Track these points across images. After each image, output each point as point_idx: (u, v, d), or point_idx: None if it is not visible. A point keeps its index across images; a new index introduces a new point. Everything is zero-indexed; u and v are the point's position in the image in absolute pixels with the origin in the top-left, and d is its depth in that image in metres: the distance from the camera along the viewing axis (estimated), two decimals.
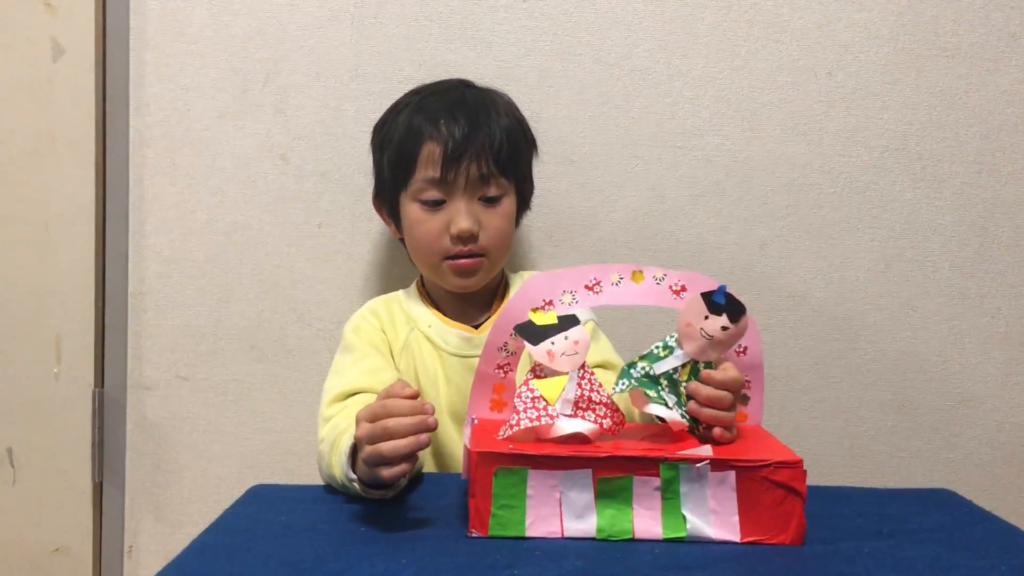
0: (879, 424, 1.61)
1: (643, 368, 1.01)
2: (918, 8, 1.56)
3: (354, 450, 1.04)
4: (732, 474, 0.94)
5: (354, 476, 1.04)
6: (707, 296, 1.01)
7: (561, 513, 0.95)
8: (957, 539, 0.97)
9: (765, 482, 0.94)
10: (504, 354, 1.06)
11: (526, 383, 1.02)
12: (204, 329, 1.57)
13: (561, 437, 0.99)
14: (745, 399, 1.09)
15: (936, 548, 0.93)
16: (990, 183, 1.58)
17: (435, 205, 1.30)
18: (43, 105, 1.54)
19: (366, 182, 1.54)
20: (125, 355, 1.57)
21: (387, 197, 1.37)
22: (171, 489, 1.59)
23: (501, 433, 1.00)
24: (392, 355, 1.33)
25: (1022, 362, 1.61)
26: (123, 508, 1.59)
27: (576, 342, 1.02)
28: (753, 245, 1.58)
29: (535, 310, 1.04)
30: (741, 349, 1.07)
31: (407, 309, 1.37)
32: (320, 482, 1.15)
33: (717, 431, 1.01)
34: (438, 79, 1.42)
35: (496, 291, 1.39)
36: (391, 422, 0.96)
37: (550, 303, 1.05)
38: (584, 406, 1.02)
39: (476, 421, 1.07)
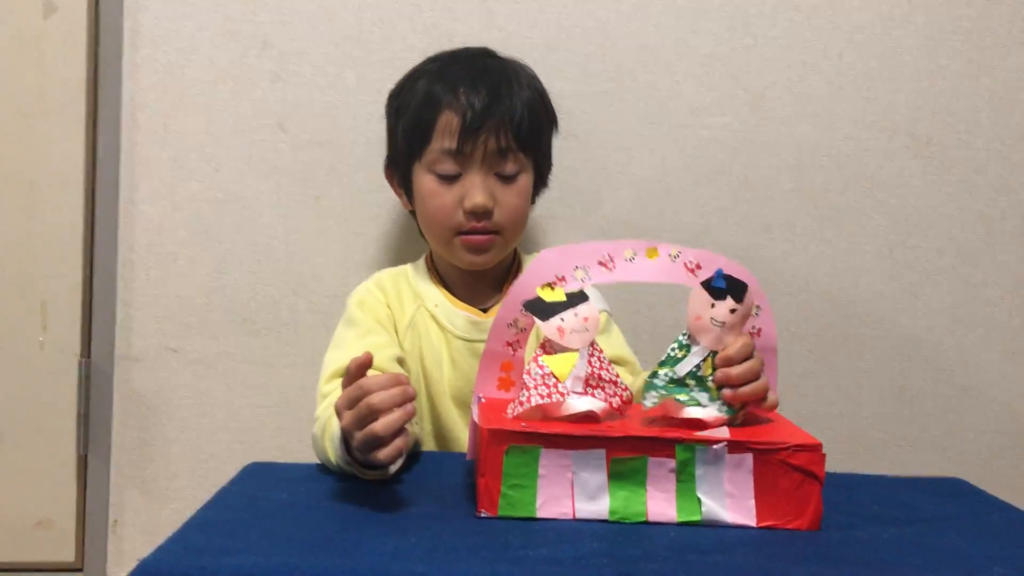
0: (879, 411, 1.59)
1: (666, 375, 0.97)
2: None
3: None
4: (749, 457, 0.92)
5: (351, 459, 1.00)
6: (707, 285, 0.99)
7: (573, 494, 0.92)
8: (975, 527, 0.96)
9: (783, 465, 0.92)
10: (514, 331, 1.03)
11: (535, 359, 0.99)
12: (195, 300, 1.53)
13: (571, 416, 0.96)
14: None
15: (955, 536, 0.92)
16: (998, 170, 1.56)
17: (450, 178, 1.26)
18: (33, 65, 1.49)
19: (365, 153, 1.51)
20: (113, 325, 1.52)
21: (400, 167, 1.33)
22: (158, 463, 1.55)
23: (510, 410, 0.97)
24: (397, 332, 1.29)
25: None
26: (108, 481, 1.55)
27: (586, 319, 1.00)
28: (757, 227, 1.56)
29: (544, 287, 1.01)
30: (755, 331, 1.04)
31: (414, 285, 1.33)
32: (317, 460, 1.12)
33: (771, 398, 0.99)
34: (441, 49, 1.38)
35: (508, 272, 1.35)
36: (374, 398, 0.92)
37: (562, 279, 1.02)
38: (594, 384, 0.99)
39: (483, 400, 1.04)
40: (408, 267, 1.37)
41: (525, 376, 0.98)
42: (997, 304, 1.59)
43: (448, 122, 1.24)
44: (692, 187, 1.55)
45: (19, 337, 1.52)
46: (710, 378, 0.98)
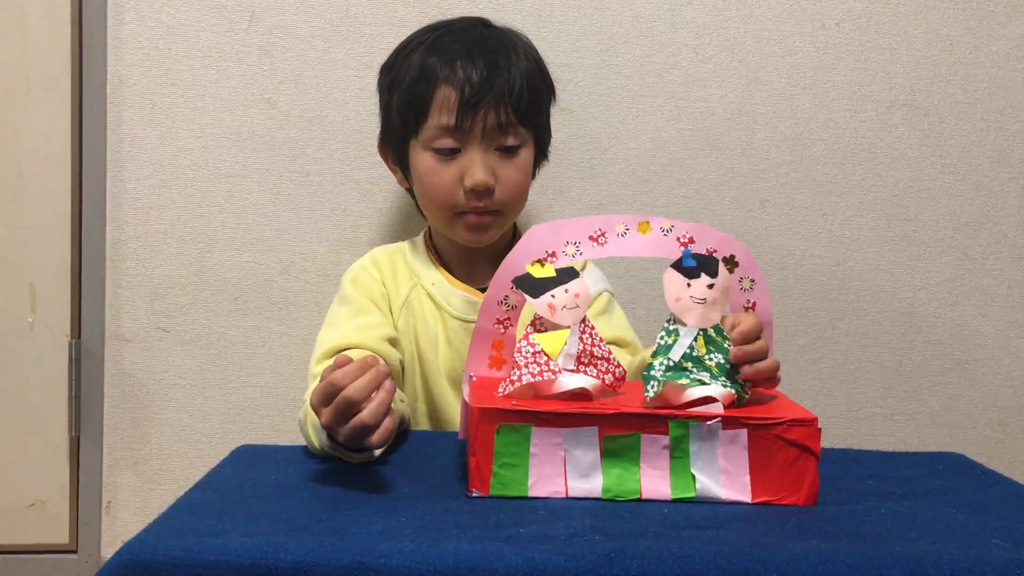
0: (876, 385, 1.58)
1: (662, 364, 0.95)
2: None
3: None
4: (744, 432, 0.91)
5: (336, 445, 0.98)
6: (677, 266, 0.97)
7: (565, 472, 0.91)
8: (972, 501, 0.94)
9: (778, 441, 0.91)
10: (504, 308, 1.02)
11: (526, 337, 0.98)
12: (185, 280, 1.51)
13: (563, 393, 0.95)
14: None
15: (952, 510, 0.90)
16: (996, 141, 1.54)
17: (449, 154, 1.22)
18: (15, 42, 1.46)
19: (355, 128, 1.49)
20: (103, 305, 1.51)
21: (395, 143, 1.29)
22: (151, 444, 1.54)
23: (501, 389, 0.96)
24: (391, 311, 1.28)
25: (1022, 324, 1.58)
26: (100, 463, 1.54)
27: (577, 295, 0.98)
28: (753, 201, 1.54)
29: (534, 263, 1.00)
30: (750, 305, 1.02)
31: (411, 263, 1.31)
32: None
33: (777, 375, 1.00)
34: (432, 21, 1.35)
35: (507, 249, 1.33)
36: (350, 391, 0.90)
37: (553, 255, 1.00)
38: (586, 361, 0.98)
39: (474, 378, 1.02)
40: (406, 244, 1.34)
41: (516, 354, 0.97)
42: (996, 277, 1.57)
43: (446, 97, 1.21)
44: (687, 161, 1.53)
45: (8, 319, 1.50)
46: (707, 356, 0.96)
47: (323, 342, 1.20)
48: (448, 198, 1.23)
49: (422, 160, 1.24)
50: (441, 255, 1.32)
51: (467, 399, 0.97)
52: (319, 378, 1.06)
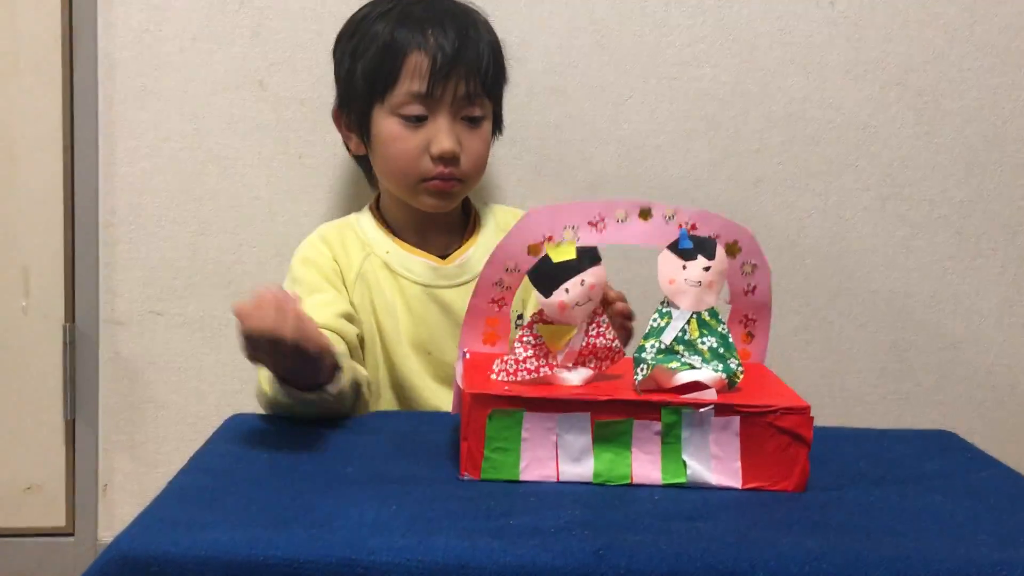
0: (870, 365, 1.58)
1: (653, 346, 0.94)
2: None
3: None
4: (736, 419, 0.91)
5: (287, 387, 1.01)
6: (673, 248, 0.96)
7: (557, 457, 0.91)
8: (962, 486, 0.94)
9: (770, 428, 0.91)
10: (499, 289, 1.01)
11: (530, 325, 0.96)
12: (179, 263, 1.51)
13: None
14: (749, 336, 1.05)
15: (941, 497, 0.91)
16: (992, 120, 1.54)
17: (416, 121, 1.24)
18: (5, 25, 1.45)
19: None
20: (97, 289, 1.51)
21: (356, 108, 1.29)
22: (147, 427, 1.54)
23: (496, 368, 0.95)
24: (345, 286, 1.27)
25: (1018, 303, 1.58)
26: (96, 446, 1.54)
27: (593, 286, 0.94)
28: (747, 181, 1.54)
29: (557, 245, 0.96)
30: (750, 289, 1.02)
31: (361, 234, 1.31)
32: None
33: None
34: None
35: (467, 222, 1.34)
36: (246, 320, 0.93)
37: (550, 238, 0.99)
38: (587, 353, 0.97)
39: (468, 355, 1.02)
40: (352, 217, 1.35)
41: (516, 343, 0.95)
42: (990, 256, 1.57)
43: (417, 64, 1.22)
44: (681, 141, 1.52)
45: (1, 304, 1.50)
46: (699, 340, 0.95)
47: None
48: (413, 164, 1.24)
49: (387, 126, 1.25)
50: (392, 224, 1.32)
51: (459, 381, 0.97)
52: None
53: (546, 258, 0.94)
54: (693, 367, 0.93)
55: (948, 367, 1.59)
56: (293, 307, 0.95)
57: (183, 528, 0.75)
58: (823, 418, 1.62)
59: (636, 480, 0.91)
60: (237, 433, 1.04)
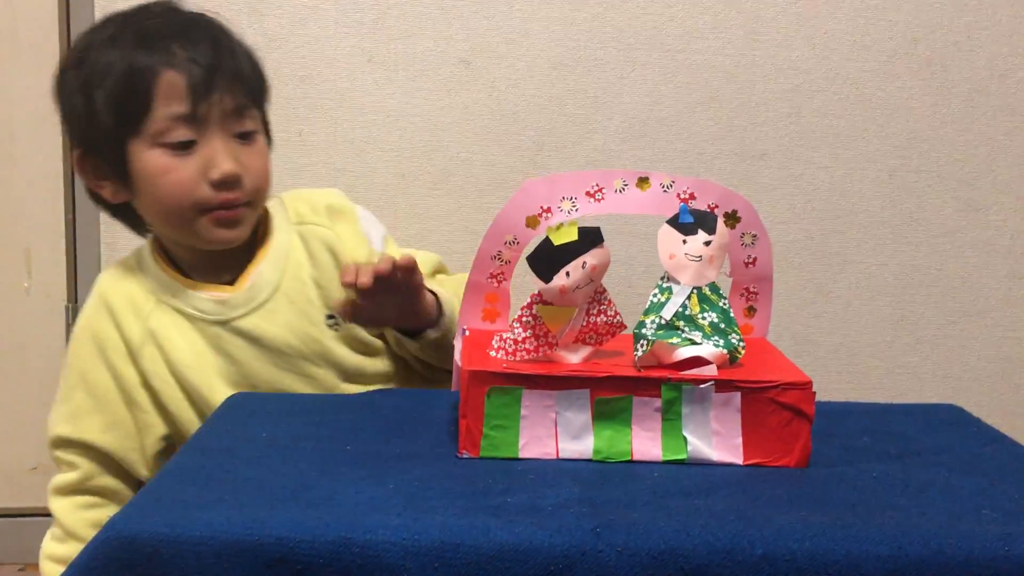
0: (878, 339, 1.57)
1: (653, 322, 0.93)
2: None
3: None
4: (737, 396, 0.90)
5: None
6: (673, 222, 0.95)
7: (556, 434, 0.91)
8: (967, 461, 0.93)
9: (772, 404, 0.90)
10: (498, 263, 1.00)
11: (530, 306, 0.95)
12: None
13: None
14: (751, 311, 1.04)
15: (946, 472, 0.89)
16: (1000, 90, 1.52)
17: (184, 147, 1.09)
18: (3, 4, 1.45)
19: (348, 87, 1.47)
20: (98, 269, 1.50)
21: (106, 149, 1.11)
22: None
23: (495, 344, 0.94)
24: (131, 357, 1.15)
25: None
26: None
27: (594, 267, 0.93)
28: (753, 155, 1.52)
29: (558, 227, 0.94)
30: (751, 260, 1.01)
31: (144, 282, 1.17)
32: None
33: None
34: None
35: (255, 232, 1.19)
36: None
37: (548, 210, 0.98)
38: (588, 330, 0.96)
39: (467, 332, 1.01)
40: (133, 259, 1.21)
41: (515, 322, 0.95)
42: (999, 228, 1.55)
43: (171, 83, 1.08)
44: (685, 114, 1.51)
45: (4, 284, 1.51)
46: (700, 315, 0.95)
47: (52, 422, 1.15)
48: (189, 196, 1.10)
49: (151, 159, 1.09)
50: (175, 260, 1.18)
51: (458, 359, 0.96)
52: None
53: (546, 241, 0.92)
54: (694, 342, 0.93)
55: (956, 340, 1.58)
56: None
57: (180, 508, 0.75)
58: (829, 393, 1.61)
59: (636, 457, 0.90)
60: (237, 412, 1.03)
